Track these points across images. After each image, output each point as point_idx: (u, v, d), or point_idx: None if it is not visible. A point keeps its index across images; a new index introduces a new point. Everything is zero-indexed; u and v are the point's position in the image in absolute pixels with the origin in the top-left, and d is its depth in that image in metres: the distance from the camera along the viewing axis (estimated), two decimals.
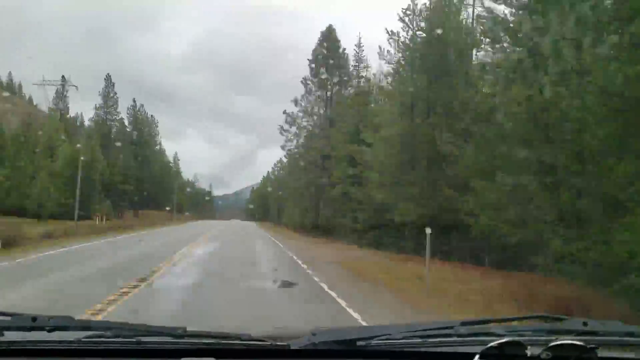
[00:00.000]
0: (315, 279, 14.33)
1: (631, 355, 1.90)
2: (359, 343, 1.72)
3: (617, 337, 1.87)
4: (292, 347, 1.70)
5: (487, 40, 14.59)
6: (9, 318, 1.83)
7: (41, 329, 1.76)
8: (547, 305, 8.88)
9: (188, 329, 1.77)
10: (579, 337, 1.69)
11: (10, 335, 1.76)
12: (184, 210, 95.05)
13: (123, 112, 78.36)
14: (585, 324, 1.82)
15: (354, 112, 34.44)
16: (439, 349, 1.74)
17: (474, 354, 1.65)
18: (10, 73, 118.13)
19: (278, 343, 1.74)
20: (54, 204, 50.13)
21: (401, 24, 24.38)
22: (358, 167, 30.03)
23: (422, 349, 1.73)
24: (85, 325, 1.84)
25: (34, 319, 1.77)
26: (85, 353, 1.73)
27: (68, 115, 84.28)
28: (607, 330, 1.84)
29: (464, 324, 1.83)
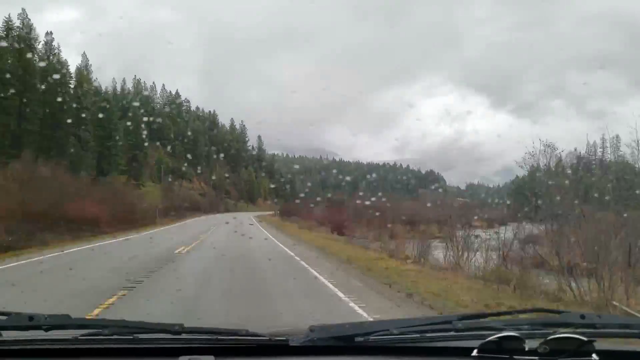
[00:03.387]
0: None
1: (628, 347, 1.91)
2: (357, 339, 1.72)
3: (614, 330, 1.87)
4: (290, 344, 1.70)
5: None
6: (4, 317, 1.81)
7: (38, 327, 1.75)
8: None
9: (185, 325, 1.76)
10: (576, 330, 1.70)
11: (7, 335, 1.75)
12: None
13: None
14: (582, 316, 1.82)
15: None
16: (437, 344, 1.74)
17: (472, 349, 1.66)
18: None
19: (277, 338, 1.74)
20: None
21: None
22: None
23: (420, 344, 1.73)
24: (82, 324, 1.83)
25: (31, 318, 1.76)
26: (82, 352, 1.73)
27: None
28: (604, 322, 1.84)
29: (461, 318, 1.83)
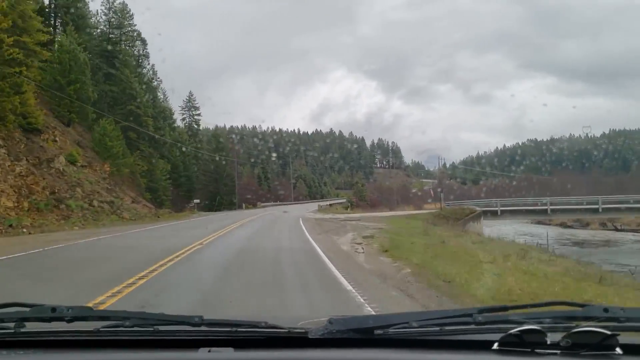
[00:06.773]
0: None
1: None
2: (377, 332, 1.71)
3: (639, 323, 1.83)
4: (310, 336, 1.70)
5: None
6: (28, 309, 1.85)
7: (60, 319, 1.78)
8: None
9: (205, 317, 1.78)
10: (599, 324, 1.66)
11: (31, 326, 1.79)
12: None
13: None
14: (606, 310, 1.78)
15: None
16: (457, 337, 1.72)
17: (492, 342, 1.64)
18: None
19: (296, 331, 1.74)
20: None
21: None
22: None
23: (440, 337, 1.72)
24: (104, 316, 1.86)
25: (53, 309, 1.79)
26: (104, 343, 1.75)
27: None
28: (628, 316, 1.80)
29: (481, 311, 1.81)
